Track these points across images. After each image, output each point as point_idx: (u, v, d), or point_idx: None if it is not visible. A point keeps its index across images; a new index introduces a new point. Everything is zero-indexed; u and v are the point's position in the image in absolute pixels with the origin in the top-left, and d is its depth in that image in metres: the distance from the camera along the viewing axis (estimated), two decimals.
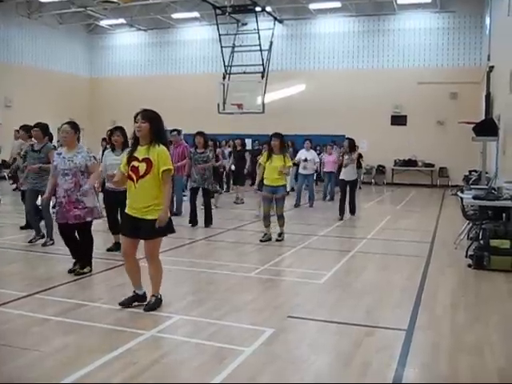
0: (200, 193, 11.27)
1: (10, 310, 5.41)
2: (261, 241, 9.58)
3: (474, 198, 8.56)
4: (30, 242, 8.64)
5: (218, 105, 22.88)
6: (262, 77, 22.81)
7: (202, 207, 11.24)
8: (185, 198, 13.94)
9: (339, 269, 7.70)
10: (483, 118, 16.63)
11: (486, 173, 13.64)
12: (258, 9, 22.92)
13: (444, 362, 4.36)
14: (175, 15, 26.26)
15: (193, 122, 22.22)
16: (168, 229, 5.44)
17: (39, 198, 8.66)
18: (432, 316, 5.58)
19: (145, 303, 5.52)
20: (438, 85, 23.23)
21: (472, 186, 10.78)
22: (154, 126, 5.30)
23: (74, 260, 7.06)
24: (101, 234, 10.01)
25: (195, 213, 11.16)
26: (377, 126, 24.25)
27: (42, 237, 8.72)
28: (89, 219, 6.92)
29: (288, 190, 14.42)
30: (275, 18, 25.04)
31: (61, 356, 4.31)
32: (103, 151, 9.97)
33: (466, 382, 4.04)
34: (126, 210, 5.42)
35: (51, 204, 9.16)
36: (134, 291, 5.62)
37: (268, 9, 24.10)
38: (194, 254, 8.90)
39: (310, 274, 7.30)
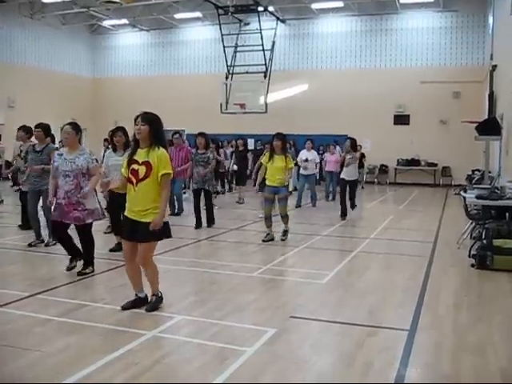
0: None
1: (12, 311, 5.41)
2: (263, 241, 9.57)
3: (477, 197, 8.54)
4: (30, 245, 8.59)
5: (221, 105, 22.87)
6: (265, 77, 22.78)
7: (205, 208, 11.20)
8: (184, 196, 14.00)
9: (342, 269, 7.68)
10: (486, 117, 16.60)
11: (489, 172, 13.59)
12: (260, 8, 22.91)
13: (446, 362, 4.35)
14: (178, 15, 26.26)
15: (195, 122, 22.26)
16: (164, 233, 5.40)
17: (41, 198, 8.63)
18: (435, 316, 5.56)
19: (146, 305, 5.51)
20: (440, 84, 23.19)
21: (475, 186, 10.74)
22: (153, 129, 5.26)
23: (71, 256, 7.03)
24: (102, 234, 10.04)
25: (200, 216, 11.07)
26: (380, 125, 24.22)
27: (42, 241, 8.70)
28: (89, 221, 6.89)
29: (290, 190, 14.42)
30: (278, 18, 25.02)
31: (63, 356, 4.31)
32: (105, 152, 9.95)
33: (469, 382, 4.02)
34: (126, 213, 5.39)
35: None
36: (136, 294, 5.61)
37: (270, 8, 24.09)
38: (197, 254, 8.90)
39: (312, 274, 7.29)
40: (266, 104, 22.25)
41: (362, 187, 21.06)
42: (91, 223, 7.01)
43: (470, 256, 8.02)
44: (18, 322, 5.12)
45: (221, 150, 17.20)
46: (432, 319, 5.45)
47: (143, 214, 5.22)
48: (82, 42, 29.32)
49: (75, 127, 6.92)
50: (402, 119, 24.58)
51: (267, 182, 9.60)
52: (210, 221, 11.14)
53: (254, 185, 11.98)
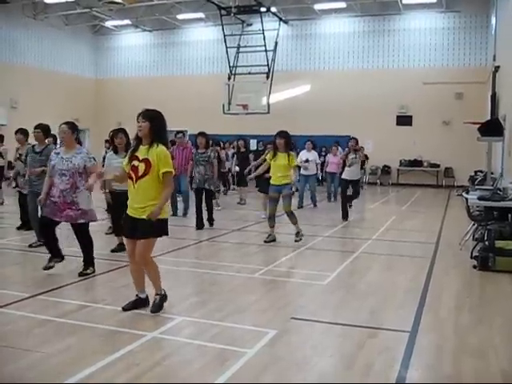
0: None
1: (13, 312, 5.41)
2: (265, 241, 9.55)
3: (479, 198, 8.52)
4: (30, 246, 8.57)
5: (223, 105, 22.86)
6: (267, 77, 22.77)
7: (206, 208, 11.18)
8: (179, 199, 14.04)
9: (343, 270, 7.67)
10: (489, 118, 16.56)
11: (492, 173, 13.56)
12: (262, 9, 22.90)
13: (447, 363, 4.33)
14: (180, 16, 26.27)
15: (198, 122, 22.21)
16: (162, 230, 5.35)
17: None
18: (436, 318, 5.54)
19: (150, 305, 5.47)
20: (443, 85, 23.15)
21: (477, 187, 10.72)
22: (154, 126, 5.23)
23: (51, 255, 6.98)
24: (103, 235, 10.05)
25: (201, 216, 11.03)
26: (382, 126, 24.19)
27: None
28: (81, 221, 6.83)
29: (293, 190, 14.36)
30: (280, 19, 25.02)
31: (63, 357, 4.31)
32: (106, 152, 9.95)
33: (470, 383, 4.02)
34: (127, 211, 5.40)
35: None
36: (137, 295, 5.60)
37: (273, 9, 24.07)
38: (198, 254, 8.90)
39: (313, 275, 7.28)
40: (269, 105, 22.24)
41: (362, 187, 20.89)
42: (87, 224, 6.98)
43: (471, 257, 8.00)
44: (19, 323, 5.12)
45: (222, 151, 17.17)
46: (433, 321, 5.44)
47: (142, 211, 5.19)
48: (85, 42, 29.36)
49: (72, 126, 6.90)
50: (404, 120, 24.55)
51: (271, 181, 9.58)
52: (210, 221, 11.12)
53: (249, 173, 12.08)
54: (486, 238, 7.99)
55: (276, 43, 23.82)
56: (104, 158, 9.76)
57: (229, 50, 23.91)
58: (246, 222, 12.11)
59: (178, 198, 13.11)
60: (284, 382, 3.97)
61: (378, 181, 24.96)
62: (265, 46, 22.92)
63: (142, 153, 5.27)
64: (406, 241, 10.15)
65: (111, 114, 28.25)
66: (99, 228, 10.67)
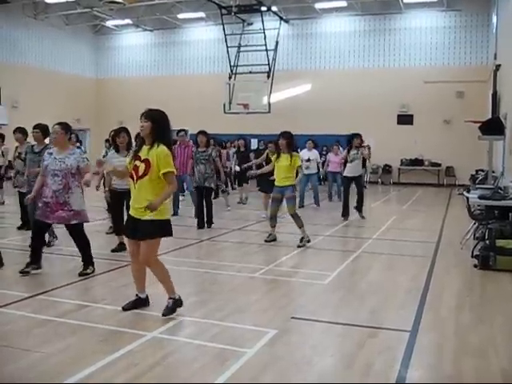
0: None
1: (13, 311, 5.41)
2: (266, 241, 9.54)
3: (480, 197, 8.50)
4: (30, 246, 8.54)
5: (224, 105, 22.86)
6: (268, 77, 22.77)
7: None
8: (181, 198, 14.02)
9: (344, 269, 7.66)
10: (490, 116, 16.53)
11: (493, 172, 13.54)
12: (263, 8, 22.90)
13: (448, 363, 4.33)
14: (181, 15, 26.27)
15: (198, 122, 22.15)
16: (164, 231, 5.28)
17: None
18: (436, 317, 5.53)
19: (163, 308, 5.34)
20: (444, 84, 23.12)
21: (478, 186, 10.70)
22: (156, 126, 5.17)
23: (31, 260, 6.91)
24: (104, 235, 10.04)
25: (202, 216, 11.00)
26: (383, 125, 24.16)
27: (44, 242, 8.60)
28: (74, 222, 6.79)
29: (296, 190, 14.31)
30: (281, 18, 25.00)
31: (63, 357, 4.30)
32: (106, 152, 9.94)
33: (470, 383, 3.99)
34: (129, 211, 5.38)
35: None
36: (137, 295, 5.58)
37: (274, 8, 24.06)
38: (199, 254, 8.89)
39: (314, 274, 7.27)
40: (269, 104, 22.25)
41: (365, 187, 20.77)
42: (82, 224, 6.96)
43: (472, 256, 7.99)
44: (19, 323, 5.12)
45: (223, 152, 17.14)
46: (434, 320, 5.43)
47: (142, 211, 5.13)
48: (86, 42, 29.36)
49: (64, 127, 6.87)
50: (405, 119, 24.53)
51: (275, 182, 9.54)
52: (209, 221, 11.01)
53: (250, 168, 12.02)
54: (486, 237, 7.98)
55: (277, 42, 23.82)
56: (103, 158, 9.75)
57: (229, 49, 23.91)
58: (247, 222, 12.11)
59: (180, 197, 13.08)
60: (284, 382, 3.96)
61: (379, 180, 24.94)
62: (265, 45, 22.92)
63: (143, 153, 5.22)
64: (406, 240, 10.14)
65: (112, 113, 28.26)
66: (100, 228, 10.69)
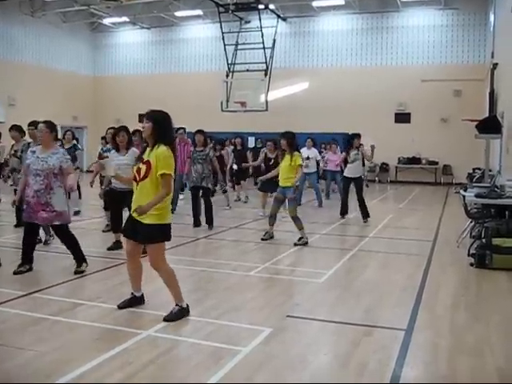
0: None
1: (7, 309, 5.39)
2: (262, 239, 9.53)
3: (477, 196, 8.50)
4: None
5: (221, 103, 22.81)
6: (265, 75, 22.72)
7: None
8: (181, 197, 13.97)
9: (340, 268, 7.65)
10: (487, 115, 16.54)
11: (490, 171, 13.54)
12: (261, 6, 22.85)
13: (443, 362, 4.32)
14: (178, 13, 26.22)
15: (196, 120, 22.17)
16: (162, 235, 5.18)
17: None
18: (432, 315, 5.53)
19: (167, 313, 5.25)
20: (441, 82, 23.12)
21: (475, 184, 10.70)
22: (157, 127, 5.09)
23: (23, 260, 6.88)
24: (100, 233, 10.03)
25: (198, 216, 10.90)
26: (380, 123, 24.14)
27: (40, 241, 8.59)
28: (56, 223, 6.74)
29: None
30: (278, 16, 24.96)
31: (57, 356, 4.29)
32: (102, 150, 9.93)
33: (465, 382, 3.99)
34: (131, 212, 5.34)
35: None
36: (132, 293, 5.56)
37: (271, 6, 24.02)
38: (195, 252, 8.87)
39: (310, 272, 7.27)
40: (267, 102, 22.19)
41: (367, 185, 20.62)
42: (66, 224, 6.90)
43: (469, 255, 7.99)
44: (13, 321, 5.10)
45: (224, 151, 17.10)
46: (429, 319, 5.42)
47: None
48: (83, 39, 29.29)
49: (49, 125, 6.79)
50: (402, 117, 24.52)
51: (279, 183, 9.48)
52: (209, 221, 10.81)
53: (255, 183, 11.87)
54: (483, 236, 7.99)
55: (274, 40, 23.75)
56: (100, 155, 9.73)
57: (227, 47, 23.85)
58: (244, 220, 12.10)
59: (180, 196, 13.04)
60: (278, 381, 3.95)
61: (376, 178, 24.92)
62: (263, 43, 22.86)
63: (146, 154, 5.17)
64: (403, 238, 10.14)
65: (109, 111, 28.23)
66: (97, 226, 10.68)
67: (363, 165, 12.37)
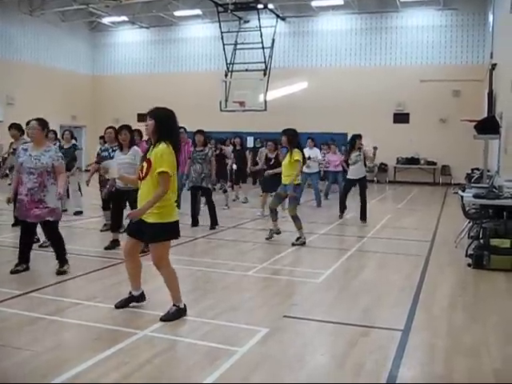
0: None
1: (4, 309, 5.38)
2: (267, 238, 9.50)
3: (475, 196, 8.48)
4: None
5: (220, 102, 22.80)
6: (264, 74, 22.71)
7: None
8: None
9: (338, 268, 7.64)
10: (485, 115, 16.54)
11: (488, 171, 13.55)
12: (260, 6, 22.84)
13: (439, 363, 4.32)
14: (177, 13, 26.23)
15: (194, 119, 22.10)
16: (169, 234, 5.14)
17: None
18: (429, 316, 5.53)
19: (164, 313, 5.23)
20: (440, 82, 23.11)
21: (473, 185, 10.69)
22: (159, 125, 5.03)
23: (20, 260, 6.85)
24: (98, 232, 10.02)
25: (196, 216, 10.90)
26: (379, 123, 24.13)
27: (38, 240, 8.55)
28: (48, 218, 6.69)
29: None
30: (277, 16, 24.96)
31: (53, 355, 4.28)
32: (101, 149, 9.90)
33: (462, 383, 3.99)
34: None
35: None
36: (130, 292, 5.53)
37: (270, 6, 24.02)
38: (193, 252, 8.85)
39: (308, 273, 7.27)
40: (266, 102, 22.18)
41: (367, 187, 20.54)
42: (57, 222, 6.88)
43: (466, 255, 7.99)
44: (10, 321, 5.09)
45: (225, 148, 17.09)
46: (426, 319, 5.42)
47: (145, 214, 5.01)
48: (82, 39, 29.27)
49: (41, 123, 6.74)
50: (401, 118, 24.53)
51: None
52: (213, 221, 10.73)
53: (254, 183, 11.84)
54: (481, 236, 7.98)
55: (273, 40, 23.74)
56: (98, 154, 9.72)
57: (226, 46, 23.82)
58: (242, 220, 12.09)
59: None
60: (275, 381, 3.94)
61: (374, 178, 24.90)
62: (262, 42, 22.84)
63: (149, 153, 5.13)
64: (401, 239, 10.14)
65: (108, 111, 28.21)
66: (95, 225, 10.67)
67: (365, 165, 12.26)
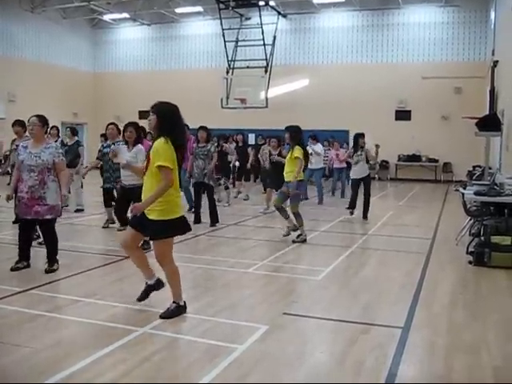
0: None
1: (4, 306, 5.38)
2: (284, 235, 9.47)
3: (476, 193, 8.46)
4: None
5: (222, 99, 22.80)
6: (266, 71, 22.72)
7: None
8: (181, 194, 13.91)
9: (338, 265, 7.63)
10: (487, 112, 16.51)
11: (490, 168, 13.48)
12: (261, 3, 22.83)
13: (439, 360, 4.31)
14: (179, 10, 26.17)
15: (196, 116, 22.02)
16: (170, 231, 5.05)
17: None
18: (430, 314, 5.51)
19: (163, 311, 5.21)
20: (442, 79, 23.07)
21: (474, 182, 10.67)
22: (161, 120, 4.99)
23: (20, 257, 6.86)
24: (100, 229, 10.03)
25: (198, 211, 10.86)
26: (381, 120, 24.09)
27: (38, 236, 8.54)
28: (48, 217, 6.66)
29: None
30: (279, 13, 24.92)
31: (52, 352, 4.28)
32: (102, 146, 9.91)
33: (461, 381, 3.97)
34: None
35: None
36: (146, 282, 5.43)
37: (271, 3, 23.98)
38: (194, 249, 8.83)
39: (308, 270, 7.26)
40: (267, 99, 22.18)
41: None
42: (55, 220, 6.87)
43: (467, 253, 7.97)
44: (10, 318, 5.09)
45: (229, 145, 17.06)
46: (427, 317, 5.41)
47: (147, 209, 4.97)
48: (83, 36, 29.23)
49: (42, 119, 6.72)
50: (403, 115, 24.49)
51: None
52: (213, 218, 10.70)
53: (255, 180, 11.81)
54: (482, 234, 7.96)
55: (274, 37, 23.75)
56: (99, 151, 9.72)
57: (227, 43, 23.83)
58: (243, 217, 12.08)
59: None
60: (274, 379, 3.93)
61: (376, 176, 24.83)
62: (263, 39, 22.84)
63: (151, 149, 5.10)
64: (402, 236, 10.12)
65: (109, 108, 28.19)
66: (97, 222, 10.67)
67: (367, 162, 12.19)
